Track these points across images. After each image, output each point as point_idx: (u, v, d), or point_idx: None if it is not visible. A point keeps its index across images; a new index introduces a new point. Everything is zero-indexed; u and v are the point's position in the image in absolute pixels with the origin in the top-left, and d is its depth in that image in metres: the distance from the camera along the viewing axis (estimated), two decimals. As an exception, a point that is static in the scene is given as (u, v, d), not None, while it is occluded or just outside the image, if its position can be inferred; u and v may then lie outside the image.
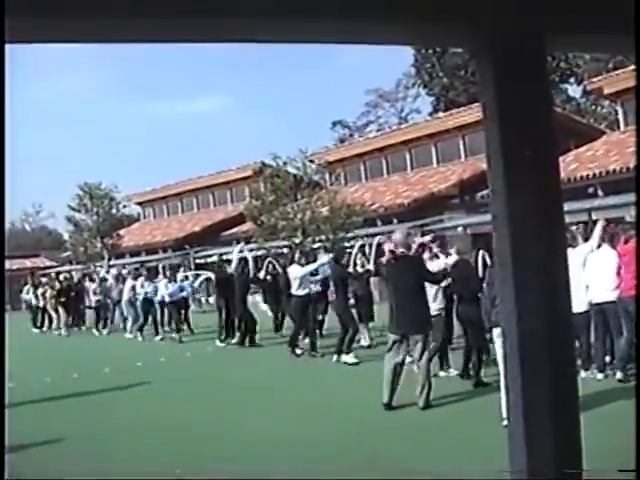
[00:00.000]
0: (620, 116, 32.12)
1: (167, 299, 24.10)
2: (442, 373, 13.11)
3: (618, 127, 32.75)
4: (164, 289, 24.37)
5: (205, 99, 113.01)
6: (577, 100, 53.05)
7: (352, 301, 17.66)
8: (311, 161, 36.72)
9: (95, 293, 28.22)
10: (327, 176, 38.51)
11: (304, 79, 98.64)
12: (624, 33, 2.19)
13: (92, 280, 29.39)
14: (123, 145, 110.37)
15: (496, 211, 2.03)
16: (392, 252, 12.06)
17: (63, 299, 29.09)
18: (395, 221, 33.16)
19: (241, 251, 22.58)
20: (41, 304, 31.15)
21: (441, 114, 43.39)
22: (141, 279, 25.85)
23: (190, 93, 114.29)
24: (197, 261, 43.86)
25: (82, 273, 35.68)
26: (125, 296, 26.00)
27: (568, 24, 2.07)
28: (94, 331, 27.81)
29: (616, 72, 32.33)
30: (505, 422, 9.51)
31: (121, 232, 49.74)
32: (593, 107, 51.73)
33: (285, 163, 33.77)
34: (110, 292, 28.03)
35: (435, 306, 12.73)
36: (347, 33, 2.01)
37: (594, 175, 26.75)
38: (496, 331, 9.62)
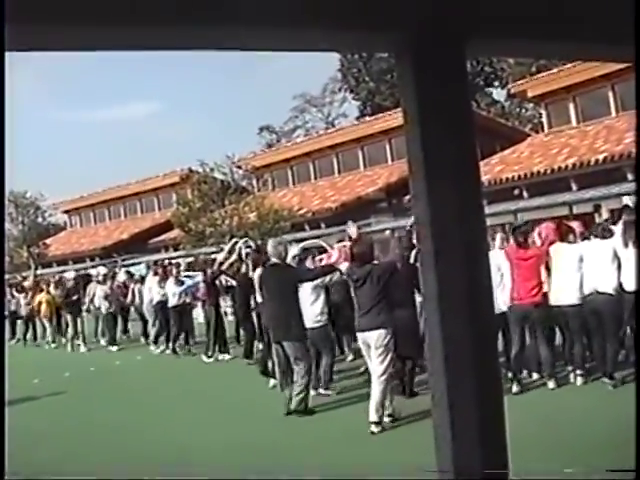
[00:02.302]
0: (544, 118, 32.57)
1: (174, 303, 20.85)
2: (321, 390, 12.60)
3: (542, 129, 33.22)
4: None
5: (132, 105, 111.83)
6: (502, 103, 53.67)
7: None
8: (238, 167, 36.69)
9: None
10: (254, 182, 38.53)
11: (231, 85, 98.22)
12: (544, 38, 2.23)
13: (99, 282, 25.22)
14: (48, 152, 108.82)
15: (418, 214, 2.05)
16: (265, 262, 12.33)
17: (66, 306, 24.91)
18: (323, 225, 33.24)
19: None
20: (24, 312, 27.43)
21: (368, 118, 43.58)
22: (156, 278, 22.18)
23: (117, 99, 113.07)
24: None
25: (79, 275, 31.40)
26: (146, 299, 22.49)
27: (488, 29, 2.10)
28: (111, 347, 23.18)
29: (539, 75, 32.79)
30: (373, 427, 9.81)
31: (47, 241, 49.15)
32: (517, 110, 52.38)
33: (212, 169, 33.68)
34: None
35: (316, 316, 12.40)
36: (273, 40, 2.01)
37: (519, 177, 27.08)
38: None
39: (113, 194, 54.27)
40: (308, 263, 13.97)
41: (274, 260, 11.69)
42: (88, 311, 24.32)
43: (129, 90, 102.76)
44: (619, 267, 10.98)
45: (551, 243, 11.88)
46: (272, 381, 12.86)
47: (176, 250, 35.96)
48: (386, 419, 10.06)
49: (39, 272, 42.98)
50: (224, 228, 30.23)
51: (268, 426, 10.68)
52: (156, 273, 22.45)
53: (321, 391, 12.33)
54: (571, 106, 30.09)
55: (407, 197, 27.60)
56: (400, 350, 11.54)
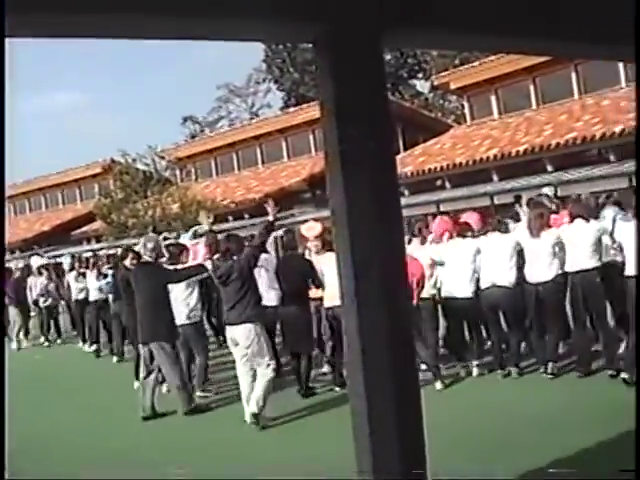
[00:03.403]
0: (466, 110, 32.86)
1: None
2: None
3: (465, 121, 33.49)
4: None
5: (53, 95, 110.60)
6: (425, 95, 54.02)
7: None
8: (161, 157, 36.38)
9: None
10: (178, 172, 38.22)
11: (155, 75, 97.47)
12: (464, 31, 2.23)
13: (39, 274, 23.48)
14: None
15: (334, 206, 2.04)
16: (136, 258, 12.21)
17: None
18: (246, 216, 33.16)
19: None
20: None
21: (291, 109, 43.53)
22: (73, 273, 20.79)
23: (37, 89, 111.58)
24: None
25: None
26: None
27: (407, 21, 2.10)
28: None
29: (462, 68, 33.08)
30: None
31: (-35, 232, 48.25)
32: (441, 102, 52.80)
33: (134, 160, 33.36)
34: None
35: (190, 312, 12.15)
36: (195, 29, 2.00)
37: (442, 168, 27.27)
38: None
39: (33, 185, 53.47)
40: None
41: (146, 258, 11.50)
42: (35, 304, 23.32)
43: (50, 80, 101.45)
44: (521, 260, 11.13)
45: (450, 237, 11.99)
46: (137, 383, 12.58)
47: (98, 242, 35.53)
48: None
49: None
50: (147, 219, 29.96)
51: (130, 429, 10.61)
52: (72, 267, 21.42)
53: (198, 394, 11.91)
54: (493, 98, 30.39)
55: (331, 188, 27.68)
56: (292, 346, 11.68)
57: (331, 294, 11.28)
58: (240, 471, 7.67)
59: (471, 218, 12.61)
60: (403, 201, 24.57)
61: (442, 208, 24.54)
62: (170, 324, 11.08)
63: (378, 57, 2.10)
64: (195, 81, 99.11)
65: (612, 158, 22.23)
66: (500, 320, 11.48)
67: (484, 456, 7.54)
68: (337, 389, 11.35)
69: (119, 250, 17.14)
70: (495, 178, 25.53)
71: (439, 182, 27.67)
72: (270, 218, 10.97)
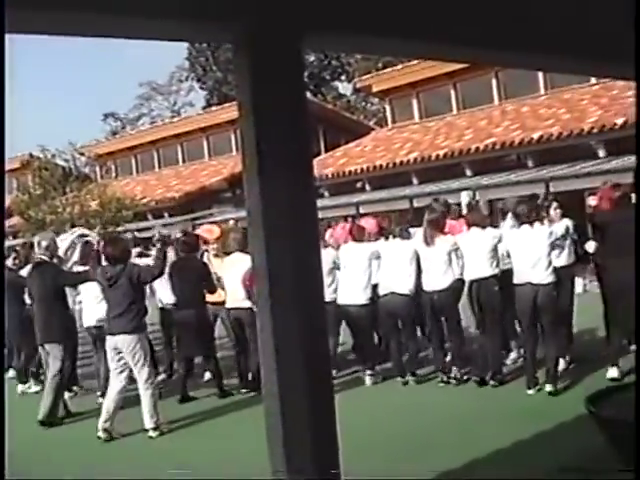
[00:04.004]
0: (388, 113, 33.08)
1: None
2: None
3: (386, 124, 33.71)
4: None
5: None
6: (348, 97, 54.22)
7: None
8: (81, 154, 35.96)
9: None
10: (97, 169, 37.84)
11: (76, 70, 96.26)
12: (385, 35, 2.25)
13: None
14: None
15: (251, 206, 2.05)
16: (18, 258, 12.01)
17: None
18: (166, 214, 32.98)
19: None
20: None
21: (214, 108, 43.36)
22: None
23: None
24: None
25: None
26: None
27: (327, 23, 2.11)
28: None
29: (384, 71, 33.31)
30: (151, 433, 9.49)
31: None
32: (363, 104, 53.03)
33: (54, 155, 32.86)
34: None
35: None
36: (116, 27, 1.98)
37: (362, 170, 27.40)
38: None
39: (-52, 179, 52.53)
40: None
41: (42, 257, 11.18)
42: None
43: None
44: (418, 268, 11.00)
45: (345, 241, 11.88)
46: (20, 387, 12.58)
47: (15, 238, 34.99)
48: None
49: None
50: (65, 216, 29.50)
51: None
52: None
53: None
54: (414, 102, 30.68)
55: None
56: (186, 350, 11.43)
57: (232, 296, 11.29)
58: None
59: (368, 223, 12.44)
60: (323, 202, 24.68)
61: (362, 210, 24.69)
62: (65, 325, 10.83)
63: (298, 59, 2.11)
64: (117, 78, 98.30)
65: (530, 164, 22.59)
66: (398, 328, 11.27)
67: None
68: (243, 391, 11.28)
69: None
70: (415, 181, 25.79)
71: (359, 184, 27.82)
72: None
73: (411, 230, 11.52)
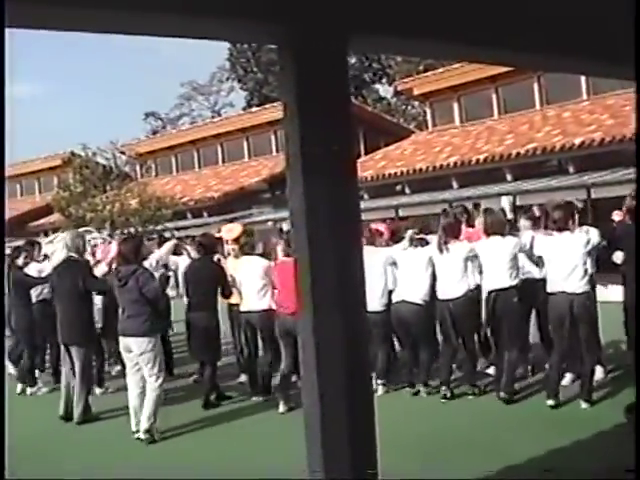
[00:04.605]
0: (428, 117, 32.95)
1: None
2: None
3: (426, 127, 33.57)
4: None
5: (17, 86, 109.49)
6: (388, 100, 54.11)
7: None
8: (122, 152, 36.18)
9: None
10: (138, 168, 38.03)
11: (120, 69, 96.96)
12: (428, 37, 2.24)
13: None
14: None
15: (293, 207, 2.04)
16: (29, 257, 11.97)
17: None
18: (205, 214, 33.05)
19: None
20: None
21: (254, 109, 43.41)
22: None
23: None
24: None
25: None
26: None
27: (372, 26, 2.10)
28: None
29: (426, 74, 33.18)
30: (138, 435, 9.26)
31: None
32: (403, 107, 52.89)
33: (95, 153, 33.15)
34: None
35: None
36: (160, 26, 1.98)
37: (402, 173, 27.29)
38: None
39: (-9, 175, 52.94)
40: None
41: (70, 255, 10.98)
42: None
43: (14, 70, 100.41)
44: (433, 276, 10.53)
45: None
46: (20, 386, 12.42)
47: (46, 235, 35.27)
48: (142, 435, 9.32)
49: None
50: (105, 214, 29.72)
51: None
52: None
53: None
54: (455, 106, 30.52)
55: (290, 189, 27.57)
56: (197, 355, 11.24)
57: (247, 299, 11.11)
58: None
59: (380, 227, 12.10)
60: (362, 205, 24.50)
61: (401, 213, 24.61)
62: (90, 325, 10.83)
63: (342, 61, 2.10)
64: (159, 77, 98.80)
65: (571, 170, 22.39)
66: (410, 336, 10.80)
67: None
68: (254, 398, 10.96)
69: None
70: (455, 185, 25.63)
71: (399, 187, 27.70)
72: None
73: (429, 236, 10.96)
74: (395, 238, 11.53)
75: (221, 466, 7.89)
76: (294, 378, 10.50)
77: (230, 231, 13.04)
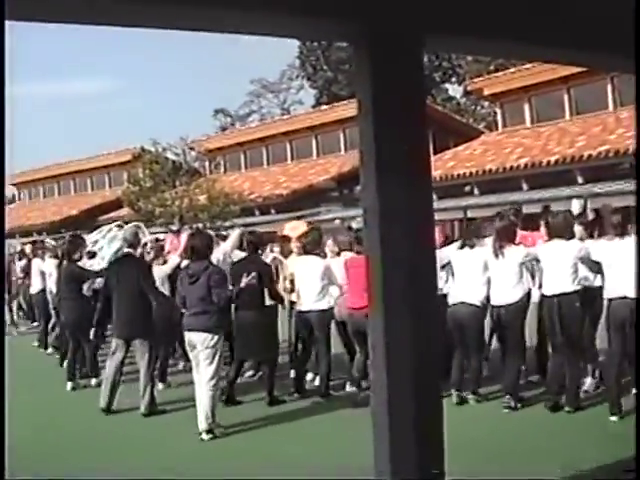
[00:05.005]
0: (498, 117, 32.76)
1: None
2: None
3: (496, 127, 33.39)
4: None
5: (87, 81, 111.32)
6: (458, 100, 53.94)
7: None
8: (191, 148, 36.46)
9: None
10: (207, 164, 38.33)
11: (190, 66, 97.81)
12: (504, 38, 2.21)
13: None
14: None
15: (367, 205, 2.03)
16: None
17: None
18: (273, 211, 33.23)
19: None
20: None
21: (323, 107, 43.55)
22: None
23: (71, 74, 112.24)
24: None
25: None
26: None
27: (447, 26, 2.08)
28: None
29: (496, 74, 32.98)
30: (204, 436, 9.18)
31: (-5, 213, 48.70)
32: (473, 107, 52.67)
33: (165, 149, 33.46)
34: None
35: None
36: (232, 23, 1.98)
37: (471, 174, 27.19)
38: None
39: (63, 169, 53.75)
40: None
41: (127, 250, 11.38)
42: None
43: (84, 65, 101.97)
44: (488, 280, 10.22)
45: None
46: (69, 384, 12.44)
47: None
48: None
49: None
50: (174, 209, 30.05)
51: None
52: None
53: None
54: (526, 106, 30.28)
55: (358, 187, 27.60)
56: (249, 354, 11.17)
57: (306, 298, 11.09)
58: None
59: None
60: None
61: (470, 214, 24.47)
62: (150, 320, 10.89)
63: (417, 59, 2.09)
64: (228, 74, 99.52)
65: (644, 173, 22.09)
66: (464, 340, 10.39)
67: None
68: (296, 395, 11.03)
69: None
70: (525, 187, 25.43)
71: (468, 188, 27.58)
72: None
73: (486, 240, 10.55)
74: (447, 242, 11.42)
75: (286, 465, 7.88)
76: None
77: (294, 229, 13.07)
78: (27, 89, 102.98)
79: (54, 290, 14.96)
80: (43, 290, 16.92)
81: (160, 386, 11.85)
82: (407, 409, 2.02)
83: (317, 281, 11.01)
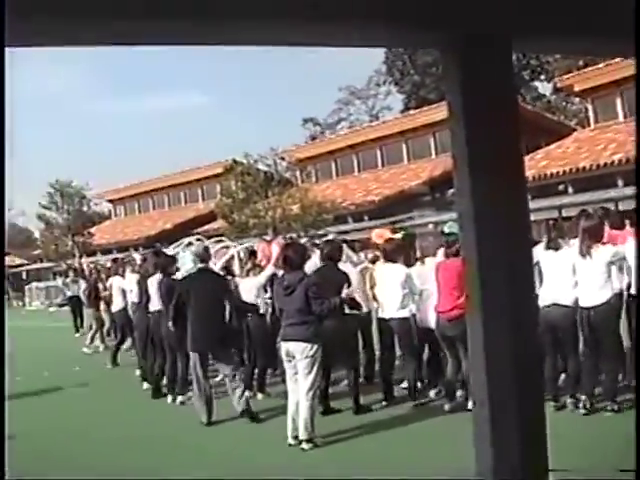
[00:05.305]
0: (590, 113, 32.25)
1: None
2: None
3: (588, 124, 32.88)
4: None
5: (177, 96, 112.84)
6: (547, 97, 53.27)
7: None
8: (282, 158, 36.71)
9: None
10: (298, 173, 38.54)
11: (276, 76, 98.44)
12: (595, 35, 2.21)
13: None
14: (94, 142, 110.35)
15: (461, 209, 2.04)
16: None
17: None
18: (366, 218, 33.22)
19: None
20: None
21: (412, 111, 43.46)
22: None
23: (161, 90, 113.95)
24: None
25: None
26: None
27: (536, 26, 2.08)
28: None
29: (586, 70, 32.48)
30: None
31: (92, 230, 49.71)
32: (563, 104, 51.94)
33: (256, 161, 33.76)
34: None
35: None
36: (321, 36, 2.01)
37: (564, 172, 26.85)
38: None
39: (157, 184, 54.64)
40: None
41: (201, 265, 11.62)
42: None
43: (175, 82, 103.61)
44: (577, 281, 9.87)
45: None
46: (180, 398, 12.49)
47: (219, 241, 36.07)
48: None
49: (82, 260, 43.17)
50: (267, 219, 30.32)
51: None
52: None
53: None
54: (618, 101, 29.75)
55: (450, 191, 27.51)
56: (332, 363, 10.98)
57: (387, 306, 11.08)
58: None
59: None
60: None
61: (564, 214, 24.14)
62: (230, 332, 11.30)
63: (507, 60, 2.09)
64: (316, 83, 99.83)
65: None
66: (557, 344, 10.01)
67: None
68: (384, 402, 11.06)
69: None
70: (620, 183, 24.98)
71: (561, 187, 27.20)
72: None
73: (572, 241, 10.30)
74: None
75: (390, 469, 7.94)
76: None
77: (380, 236, 13.04)
78: (125, 106, 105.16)
79: (136, 304, 15.00)
80: (124, 308, 16.89)
81: (259, 396, 11.96)
82: (509, 409, 2.02)
83: (398, 289, 10.97)
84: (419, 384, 11.53)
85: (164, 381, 13.12)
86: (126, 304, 16.68)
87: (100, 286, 20.29)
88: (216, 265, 14.55)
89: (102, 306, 20.27)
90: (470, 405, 9.50)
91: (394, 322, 10.98)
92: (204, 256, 11.63)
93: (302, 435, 9.20)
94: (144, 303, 13.79)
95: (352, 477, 7.72)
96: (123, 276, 17.30)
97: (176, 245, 21.36)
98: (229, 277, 13.48)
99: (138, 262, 15.86)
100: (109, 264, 23.19)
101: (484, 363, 2.00)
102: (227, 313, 11.64)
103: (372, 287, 11.43)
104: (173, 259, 13.70)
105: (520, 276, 2.04)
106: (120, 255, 42.20)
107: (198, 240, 21.57)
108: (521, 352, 2.02)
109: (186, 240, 22.52)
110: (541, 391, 2.13)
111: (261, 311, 12.37)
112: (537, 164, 28.78)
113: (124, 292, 16.85)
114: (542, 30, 2.11)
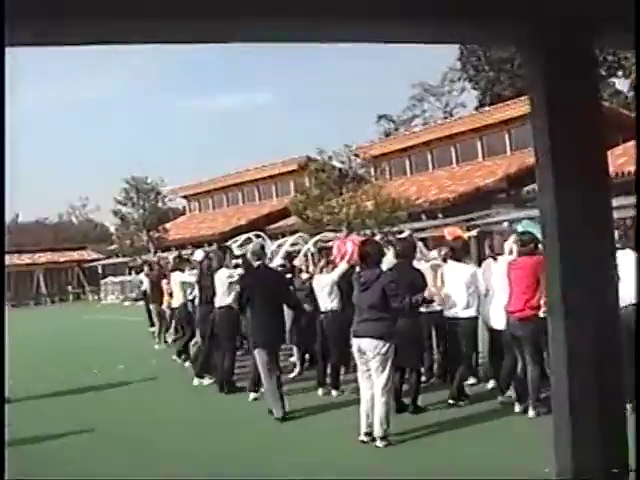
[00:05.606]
0: (669, 109, 31.71)
1: None
2: None
3: (667, 121, 32.32)
4: None
5: (251, 93, 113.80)
6: (625, 93, 52.44)
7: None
8: (356, 155, 36.64)
9: None
10: (372, 170, 38.45)
11: (349, 73, 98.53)
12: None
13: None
14: (170, 139, 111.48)
15: (543, 206, 2.03)
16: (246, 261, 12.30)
17: None
18: (440, 215, 33.05)
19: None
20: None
21: (487, 108, 43.13)
22: None
23: (236, 87, 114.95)
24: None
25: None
26: None
27: (618, 22, 2.06)
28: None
29: (665, 65, 31.91)
30: None
31: (167, 225, 50.10)
32: (642, 100, 51.02)
33: (330, 157, 33.73)
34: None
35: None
36: (398, 32, 2.02)
37: (644, 170, 26.44)
38: None
39: (232, 180, 55.00)
40: None
41: (258, 262, 11.66)
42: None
43: (249, 79, 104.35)
44: None
45: None
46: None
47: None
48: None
49: (158, 255, 43.61)
50: (341, 216, 30.23)
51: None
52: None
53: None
54: (700, 96, 29.21)
55: (526, 188, 27.25)
56: (400, 360, 10.47)
57: (453, 305, 11.00)
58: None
59: None
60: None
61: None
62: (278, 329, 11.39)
63: (590, 57, 2.07)
64: (389, 79, 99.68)
65: None
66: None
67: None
68: (451, 401, 10.90)
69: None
70: None
71: (641, 185, 26.77)
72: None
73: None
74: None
75: (464, 468, 7.89)
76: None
77: (452, 234, 12.94)
78: (194, 103, 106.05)
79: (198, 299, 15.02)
80: (185, 304, 16.93)
81: (334, 393, 11.99)
82: (589, 409, 2.01)
83: (463, 288, 10.93)
84: (474, 381, 11.77)
85: (233, 377, 13.25)
86: (186, 299, 16.81)
87: (164, 281, 20.38)
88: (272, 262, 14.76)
89: (165, 301, 20.40)
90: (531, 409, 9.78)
91: (460, 321, 10.92)
92: (259, 254, 11.69)
93: (377, 432, 9.14)
94: (208, 299, 13.86)
95: (428, 477, 7.68)
96: (183, 271, 17.35)
97: (233, 241, 21.42)
98: (289, 275, 13.83)
99: (199, 258, 15.90)
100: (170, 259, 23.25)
101: (565, 363, 1.99)
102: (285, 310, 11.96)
103: (441, 285, 11.34)
104: (239, 255, 13.85)
105: (602, 276, 2.02)
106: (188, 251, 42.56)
107: (257, 237, 21.60)
108: (602, 352, 2.00)
109: (244, 236, 22.59)
110: (621, 394, 2.11)
111: (335, 308, 12.33)
112: (615, 161, 28.32)
113: (185, 287, 16.99)
114: (623, 25, 2.09)
